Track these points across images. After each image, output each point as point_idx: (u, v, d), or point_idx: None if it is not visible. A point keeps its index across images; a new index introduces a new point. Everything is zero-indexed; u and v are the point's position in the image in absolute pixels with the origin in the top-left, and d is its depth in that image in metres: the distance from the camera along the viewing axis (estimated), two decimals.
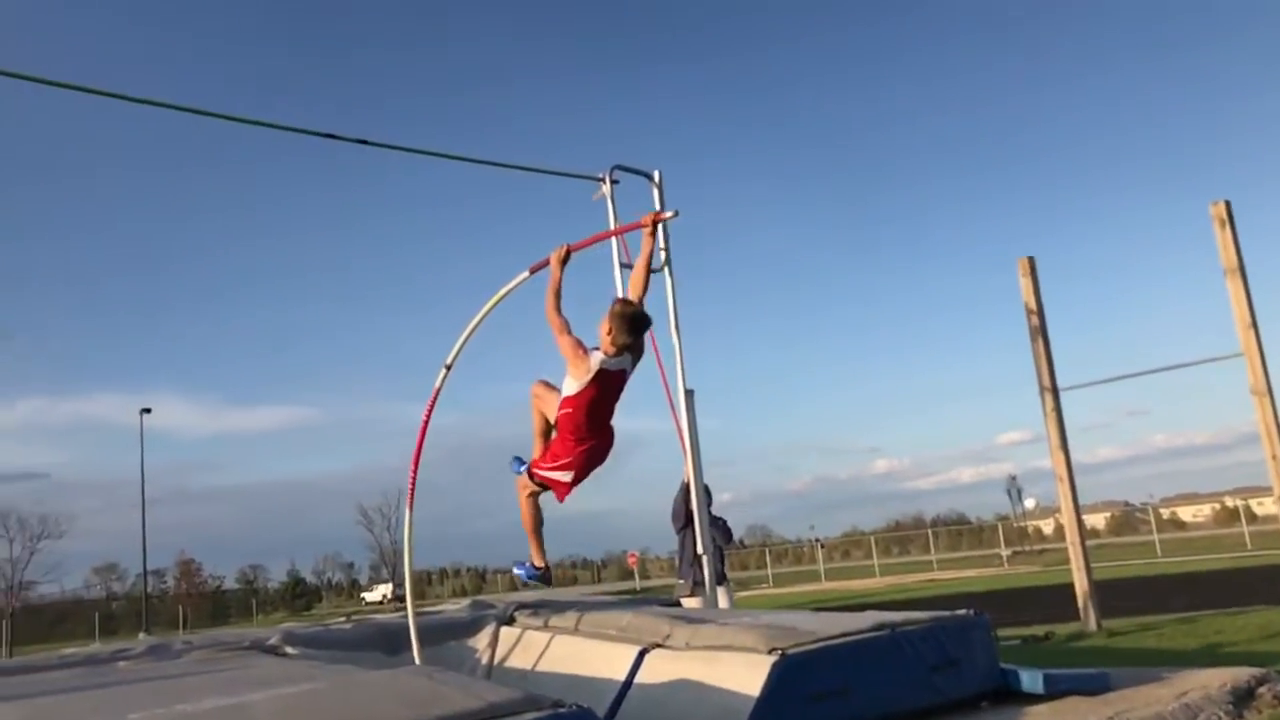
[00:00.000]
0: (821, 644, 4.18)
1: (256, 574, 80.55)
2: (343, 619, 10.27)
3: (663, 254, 7.35)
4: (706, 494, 7.59)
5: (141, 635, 35.75)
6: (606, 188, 7.29)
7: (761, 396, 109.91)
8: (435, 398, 5.97)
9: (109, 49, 79.69)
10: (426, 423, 5.92)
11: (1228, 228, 9.23)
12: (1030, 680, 4.60)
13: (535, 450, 5.68)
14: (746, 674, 3.98)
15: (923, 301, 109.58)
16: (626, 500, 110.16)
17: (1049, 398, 10.49)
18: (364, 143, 6.56)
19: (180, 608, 60.02)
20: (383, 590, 70.22)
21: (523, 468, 5.68)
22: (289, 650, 5.35)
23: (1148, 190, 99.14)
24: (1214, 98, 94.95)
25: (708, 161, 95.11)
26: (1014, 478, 58.20)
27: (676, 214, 6.00)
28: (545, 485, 5.59)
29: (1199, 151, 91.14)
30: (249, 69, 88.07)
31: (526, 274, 5.82)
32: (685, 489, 7.75)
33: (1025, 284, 10.80)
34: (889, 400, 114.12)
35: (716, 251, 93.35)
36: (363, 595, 75.55)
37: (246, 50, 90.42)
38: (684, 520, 8.05)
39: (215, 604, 71.16)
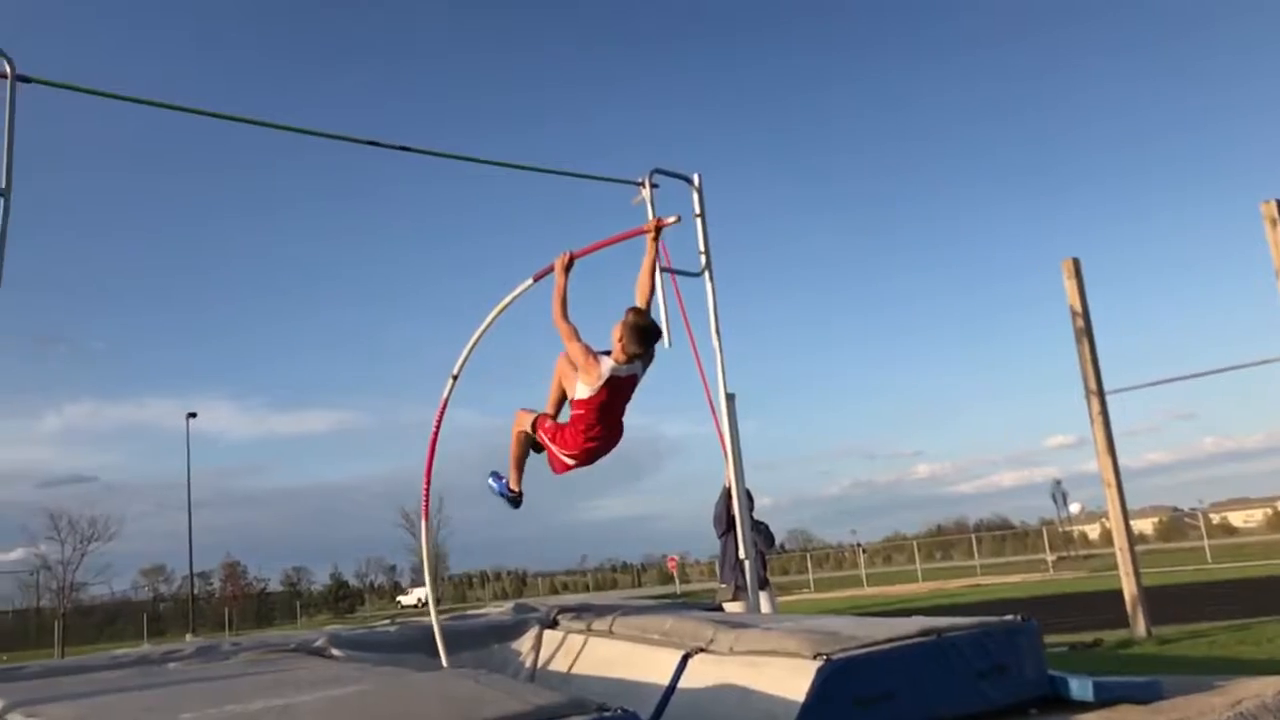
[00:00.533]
0: (867, 649, 4.15)
1: (300, 576, 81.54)
2: (387, 621, 10.33)
3: (703, 258, 7.33)
4: (748, 498, 7.56)
5: (188, 637, 36.29)
6: (646, 192, 7.28)
7: (802, 400, 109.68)
8: (444, 409, 6.10)
9: (146, 56, 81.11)
10: (436, 433, 6.05)
11: (1279, 227, 9.06)
12: (1080, 688, 4.53)
13: (547, 407, 5.71)
14: (791, 679, 3.96)
15: (965, 304, 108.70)
16: (665, 504, 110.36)
17: (1095, 401, 10.34)
18: (405, 149, 6.60)
19: (226, 609, 60.85)
20: (418, 594, 70.71)
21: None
22: (335, 652, 5.39)
23: (1196, 190, 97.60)
24: (1263, 96, 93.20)
25: (748, 165, 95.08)
26: (1059, 482, 57.29)
27: (679, 219, 6.05)
28: (541, 445, 5.66)
29: (1248, 150, 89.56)
30: (293, 78, 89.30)
31: (530, 281, 5.93)
32: (727, 493, 7.74)
33: (1070, 286, 10.67)
34: (931, 404, 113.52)
35: (757, 254, 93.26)
36: (398, 599, 76.04)
37: (291, 62, 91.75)
38: (726, 525, 8.04)
39: (260, 606, 71.97)
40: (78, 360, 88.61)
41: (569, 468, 5.57)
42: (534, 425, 5.63)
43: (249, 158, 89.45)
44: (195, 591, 58.08)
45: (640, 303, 5.50)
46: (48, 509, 55.53)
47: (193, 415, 44.17)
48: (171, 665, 5.12)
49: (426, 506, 6.23)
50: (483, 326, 6.11)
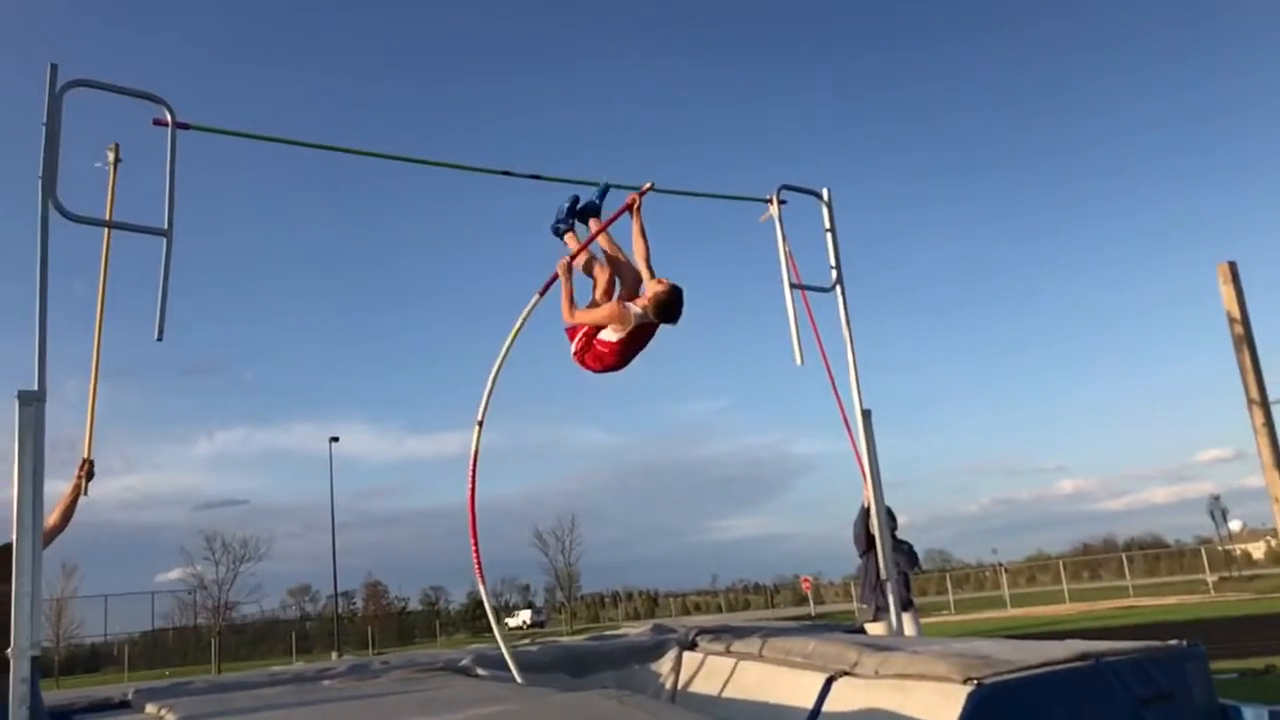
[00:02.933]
0: (1020, 674, 3.99)
1: (438, 595, 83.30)
2: (527, 641, 10.49)
3: (834, 273, 7.25)
4: (890, 517, 7.40)
5: (334, 655, 37.55)
6: (774, 208, 7.23)
7: (938, 415, 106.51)
8: (475, 461, 6.15)
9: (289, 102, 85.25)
10: (473, 488, 6.17)
11: None
12: (1255, 718, 4.27)
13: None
14: (941, 704, 3.85)
15: (1108, 313, 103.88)
16: (797, 524, 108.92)
17: (1258, 412, 9.76)
18: (536, 177, 6.70)
19: (368, 628, 62.72)
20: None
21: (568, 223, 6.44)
22: (480, 671, 5.50)
23: None
24: None
25: (879, 177, 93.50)
26: (1216, 498, 54.17)
27: (652, 186, 6.23)
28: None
29: None
30: (433, 111, 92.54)
31: (537, 297, 6.15)
32: (866, 512, 7.59)
33: (1227, 291, 10.09)
34: (1073, 417, 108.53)
35: (892, 267, 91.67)
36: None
37: (431, 96, 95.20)
38: (866, 544, 7.87)
39: (401, 625, 73.91)
40: (230, 388, 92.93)
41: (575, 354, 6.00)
42: (581, 265, 6.06)
43: (387, 192, 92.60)
44: (339, 610, 60.09)
45: (639, 259, 5.92)
46: (203, 531, 58.56)
47: (335, 439, 45.83)
48: (325, 683, 5.32)
49: (477, 556, 6.23)
50: (499, 358, 6.22)
